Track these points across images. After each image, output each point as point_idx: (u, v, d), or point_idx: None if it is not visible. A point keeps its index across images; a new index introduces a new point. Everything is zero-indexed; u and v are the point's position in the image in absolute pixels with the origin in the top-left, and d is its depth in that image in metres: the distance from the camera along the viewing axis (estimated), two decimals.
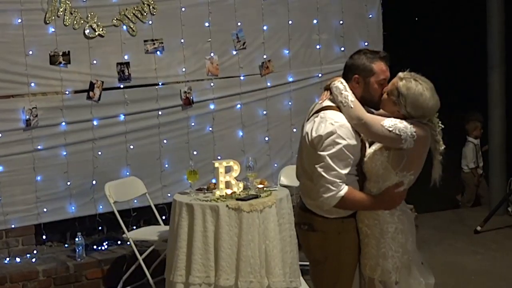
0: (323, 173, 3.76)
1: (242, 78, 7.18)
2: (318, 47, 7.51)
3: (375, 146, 3.91)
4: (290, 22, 7.34)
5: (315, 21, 7.47)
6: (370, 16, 7.74)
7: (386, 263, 3.88)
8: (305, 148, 3.94)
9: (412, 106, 3.79)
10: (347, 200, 3.79)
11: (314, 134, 3.83)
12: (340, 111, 3.88)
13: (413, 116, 3.81)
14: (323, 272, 4.02)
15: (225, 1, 7.05)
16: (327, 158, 3.75)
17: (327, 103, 3.94)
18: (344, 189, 3.77)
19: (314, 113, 3.95)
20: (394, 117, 3.84)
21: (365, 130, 3.83)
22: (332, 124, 3.80)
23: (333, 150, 3.76)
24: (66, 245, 6.67)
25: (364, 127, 3.81)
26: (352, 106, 3.83)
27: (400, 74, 3.88)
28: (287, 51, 7.37)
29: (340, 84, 3.92)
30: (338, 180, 3.76)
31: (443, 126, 3.93)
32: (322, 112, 3.89)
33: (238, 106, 7.19)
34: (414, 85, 3.79)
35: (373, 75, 3.90)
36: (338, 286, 4.01)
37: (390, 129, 3.75)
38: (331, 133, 3.77)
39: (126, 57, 6.65)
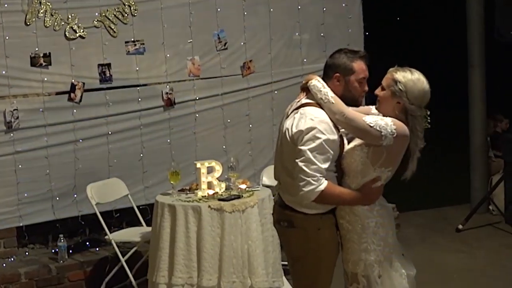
0: (303, 167, 3.82)
1: (223, 78, 7.18)
2: (299, 47, 7.52)
3: (355, 142, 3.99)
4: (271, 22, 7.35)
5: (296, 22, 7.48)
6: (351, 16, 7.76)
7: (369, 257, 3.95)
8: (285, 145, 4.00)
9: (412, 92, 3.88)
10: (327, 195, 3.85)
11: (294, 130, 3.90)
12: (320, 107, 3.94)
13: (413, 103, 3.89)
14: (304, 268, 4.08)
15: (206, 1, 7.04)
16: (308, 152, 3.82)
17: (306, 100, 4.01)
18: (324, 183, 3.83)
19: (294, 110, 4.02)
20: (390, 113, 3.93)
21: (347, 125, 3.91)
22: (312, 119, 3.87)
23: (314, 144, 3.83)
24: (48, 247, 6.64)
25: (346, 122, 3.88)
26: (333, 101, 3.91)
27: (391, 69, 3.99)
28: (269, 52, 7.38)
29: (317, 82, 3.99)
30: (318, 174, 3.82)
31: (429, 126, 4.01)
32: (302, 108, 3.97)
33: (220, 106, 7.19)
34: (410, 74, 3.92)
35: (353, 74, 3.99)
36: (319, 281, 4.06)
37: (371, 125, 3.82)
38: (311, 128, 3.84)
39: (107, 58, 6.63)
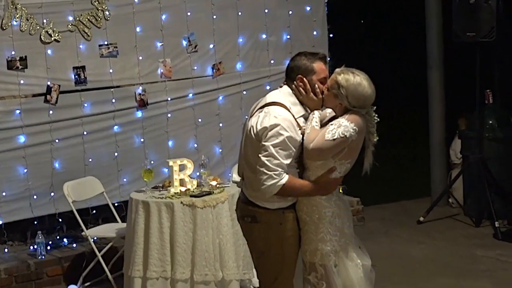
0: (266, 162, 3.95)
1: (194, 80, 7.33)
2: (266, 49, 7.70)
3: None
4: (239, 25, 7.52)
5: (263, 25, 7.65)
6: (315, 19, 7.93)
7: (325, 246, 4.07)
8: (249, 142, 4.14)
9: (353, 96, 4.00)
10: (288, 188, 3.99)
11: (259, 127, 4.03)
12: (284, 107, 4.08)
13: (354, 106, 4.01)
14: (268, 262, 4.20)
15: (177, 6, 7.20)
16: (271, 147, 3.96)
17: (271, 99, 4.15)
18: (285, 177, 3.98)
19: (258, 109, 4.17)
20: (336, 112, 4.07)
21: (317, 154, 4.01)
22: (276, 117, 4.01)
23: (277, 140, 3.96)
24: (27, 244, 6.75)
25: (314, 152, 4.00)
26: (308, 131, 4.05)
27: (337, 69, 4.10)
28: (237, 54, 7.55)
29: (316, 113, 4.13)
30: (280, 169, 3.96)
31: (378, 120, 4.14)
32: (266, 107, 4.11)
33: (191, 107, 7.35)
34: (352, 77, 4.01)
35: (314, 74, 4.13)
36: (282, 274, 4.19)
37: (334, 137, 3.95)
38: (275, 125, 3.98)
39: (81, 61, 6.77)
